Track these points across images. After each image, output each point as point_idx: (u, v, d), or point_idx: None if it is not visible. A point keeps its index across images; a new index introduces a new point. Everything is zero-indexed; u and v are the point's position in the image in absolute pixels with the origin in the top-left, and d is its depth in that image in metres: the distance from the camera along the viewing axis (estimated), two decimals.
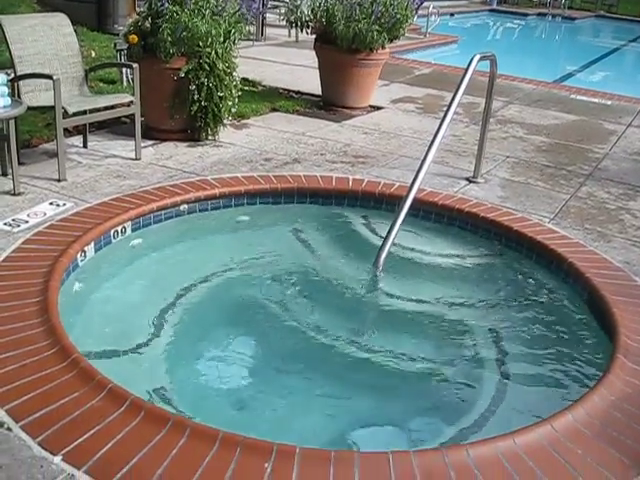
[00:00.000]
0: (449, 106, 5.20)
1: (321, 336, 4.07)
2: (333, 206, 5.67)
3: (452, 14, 22.74)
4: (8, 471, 2.57)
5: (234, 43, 6.78)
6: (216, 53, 6.46)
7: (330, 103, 8.73)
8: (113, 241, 4.67)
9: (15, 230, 4.52)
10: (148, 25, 6.45)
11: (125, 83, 8.19)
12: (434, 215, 5.49)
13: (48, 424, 2.83)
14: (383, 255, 4.72)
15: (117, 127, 6.91)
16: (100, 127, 6.87)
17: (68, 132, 6.34)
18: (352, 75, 8.49)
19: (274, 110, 8.40)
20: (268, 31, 14.10)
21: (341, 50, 8.29)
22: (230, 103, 6.72)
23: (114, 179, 5.56)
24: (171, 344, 3.85)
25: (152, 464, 2.65)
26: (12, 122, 5.00)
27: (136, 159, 6.10)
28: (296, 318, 4.23)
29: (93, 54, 9.62)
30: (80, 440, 2.75)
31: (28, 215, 4.75)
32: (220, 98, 6.57)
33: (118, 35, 9.04)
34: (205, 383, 3.73)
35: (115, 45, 8.13)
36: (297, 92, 9.41)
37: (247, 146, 6.80)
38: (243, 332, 4.26)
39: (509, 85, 11.14)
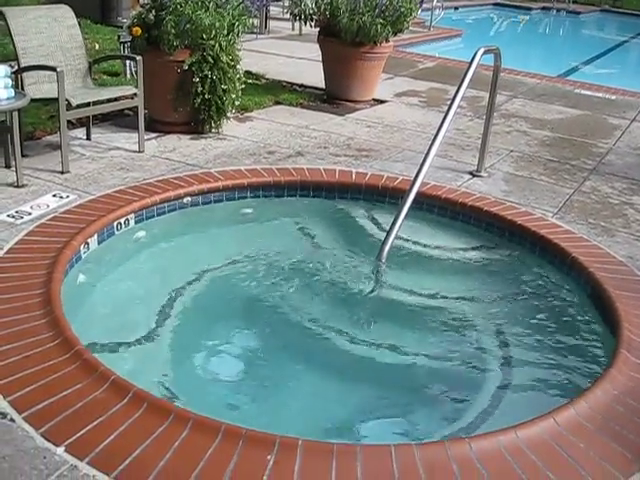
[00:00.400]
0: (453, 100, 5.19)
1: (324, 328, 4.08)
2: (336, 199, 5.66)
3: (456, 8, 22.66)
4: (11, 462, 2.58)
5: (238, 36, 6.77)
6: (220, 46, 6.45)
7: (334, 96, 8.71)
8: (116, 233, 4.67)
9: (18, 222, 4.52)
10: (152, 17, 6.42)
11: (129, 75, 8.18)
12: (437, 209, 5.48)
13: (51, 415, 2.83)
14: (386, 248, 4.72)
15: (120, 119, 6.91)
16: (103, 119, 6.87)
17: (71, 124, 6.33)
18: (356, 68, 8.47)
19: (277, 103, 8.39)
20: (272, 24, 14.07)
21: (345, 43, 8.27)
22: (233, 96, 6.72)
23: (117, 171, 5.56)
24: (174, 336, 3.85)
25: (154, 456, 2.65)
26: (15, 114, 5.01)
27: (139, 151, 6.09)
28: (299, 310, 4.23)
29: (97, 46, 9.61)
30: (83, 431, 2.75)
31: (31, 207, 4.75)
32: (224, 91, 6.57)
33: (122, 27, 9.04)
34: (208, 375, 3.74)
35: (119, 37, 8.12)
36: (300, 85, 9.39)
37: (250, 139, 6.80)
38: (246, 324, 4.26)
39: (513, 79, 11.11)
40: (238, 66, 6.75)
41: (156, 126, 6.70)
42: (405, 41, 13.12)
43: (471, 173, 6.27)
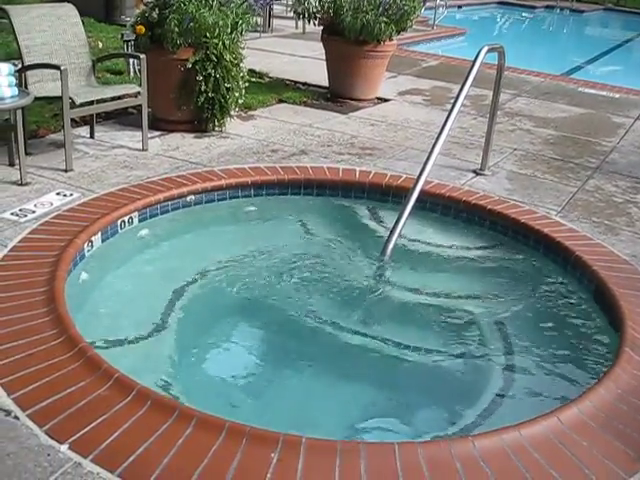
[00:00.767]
0: (456, 98, 5.19)
1: (328, 325, 4.08)
2: (340, 197, 5.66)
3: (460, 6, 22.66)
4: (15, 459, 2.58)
5: (241, 34, 6.78)
6: (223, 44, 6.45)
7: (337, 95, 8.71)
8: (120, 231, 4.67)
9: (22, 220, 4.53)
10: (155, 16, 6.43)
11: (132, 74, 8.19)
12: (441, 207, 5.48)
13: (55, 413, 2.83)
14: (390, 246, 4.73)
15: (124, 118, 6.91)
16: (107, 118, 6.87)
17: (75, 122, 6.34)
18: (359, 67, 8.47)
19: (281, 101, 8.40)
20: (275, 22, 14.08)
21: (348, 42, 8.27)
22: (237, 94, 6.72)
23: (121, 170, 5.57)
24: (177, 334, 3.85)
25: (158, 453, 2.65)
26: (19, 112, 5.00)
27: (143, 150, 6.10)
28: (302, 308, 4.23)
29: (100, 45, 9.63)
30: (86, 429, 2.75)
31: (35, 205, 4.76)
32: (227, 89, 6.57)
33: (125, 26, 9.03)
34: (212, 372, 3.75)
35: (122, 36, 8.12)
36: (304, 84, 9.39)
37: (254, 137, 6.80)
38: (249, 322, 4.27)
39: (517, 77, 11.10)
40: (241, 64, 6.75)
41: (160, 124, 6.70)
42: (409, 39, 13.12)
43: (475, 171, 6.26)
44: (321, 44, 8.90)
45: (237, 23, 6.69)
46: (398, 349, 3.96)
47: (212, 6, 6.55)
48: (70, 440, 2.69)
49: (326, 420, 3.39)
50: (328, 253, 4.94)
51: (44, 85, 5.74)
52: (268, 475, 2.60)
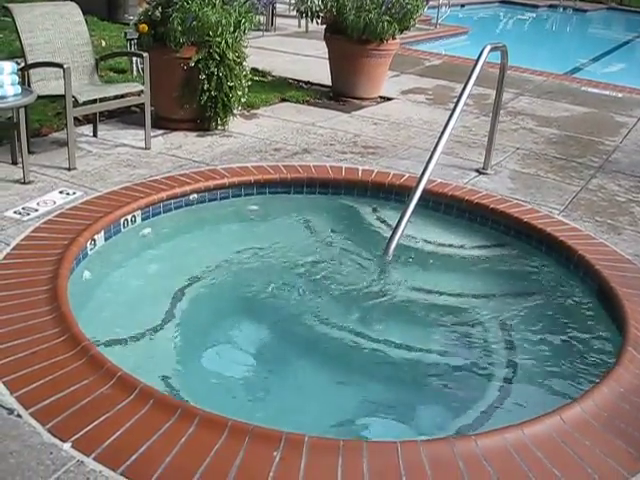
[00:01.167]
0: (459, 97, 5.18)
1: (330, 324, 4.08)
2: (343, 196, 5.66)
3: (462, 5, 22.65)
4: (18, 457, 2.59)
5: (244, 33, 6.78)
6: (226, 43, 6.45)
7: (340, 93, 8.71)
8: (123, 230, 4.68)
9: (25, 218, 4.53)
10: (158, 14, 6.43)
11: (135, 72, 8.19)
12: (444, 206, 5.48)
13: (57, 411, 2.84)
14: (393, 244, 4.73)
15: (127, 116, 6.91)
16: (110, 116, 6.87)
17: (78, 121, 6.34)
18: (362, 65, 8.46)
19: (284, 100, 8.39)
20: (278, 21, 14.07)
21: (351, 40, 8.27)
22: (240, 93, 6.72)
23: (124, 168, 5.57)
24: (180, 332, 3.86)
25: (161, 452, 2.66)
26: (22, 111, 5.01)
27: (146, 148, 6.10)
28: (304, 306, 4.24)
29: (103, 44, 9.63)
30: (89, 427, 2.76)
31: (38, 204, 4.76)
32: (230, 88, 6.57)
33: (128, 24, 9.05)
34: (215, 371, 3.74)
35: (125, 34, 8.12)
36: (307, 82, 9.39)
37: (257, 136, 6.80)
38: (252, 321, 4.27)
39: (520, 77, 11.09)
40: (244, 63, 6.76)
41: (162, 123, 6.70)
42: (411, 38, 13.13)
43: (477, 171, 6.26)
44: (324, 43, 8.90)
45: (240, 22, 6.69)
46: (400, 348, 3.96)
47: (215, 5, 6.55)
48: (73, 438, 2.69)
49: (327, 418, 3.38)
50: (330, 252, 4.95)
51: (47, 83, 5.75)
52: (270, 474, 2.60)
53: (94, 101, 5.80)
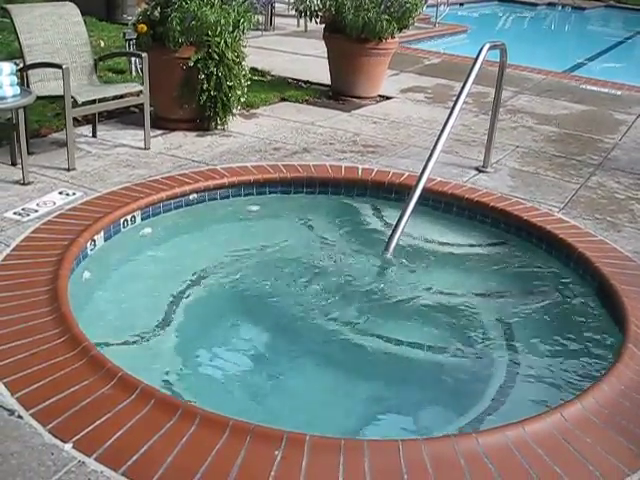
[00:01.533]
0: (459, 96, 5.18)
1: (330, 322, 4.08)
2: (342, 195, 5.66)
3: (461, 4, 22.64)
4: (19, 458, 2.59)
5: (243, 32, 6.77)
6: (225, 42, 6.45)
7: (339, 93, 8.71)
8: (122, 230, 4.68)
9: (25, 219, 4.53)
10: (157, 14, 6.43)
11: (134, 73, 8.19)
12: (443, 204, 5.48)
13: (58, 412, 2.84)
14: (393, 243, 4.73)
15: (126, 116, 6.91)
16: (109, 117, 6.87)
17: (77, 121, 6.33)
18: (361, 64, 8.46)
19: (283, 100, 8.39)
20: (277, 21, 14.07)
21: (350, 39, 8.26)
22: (239, 93, 6.72)
23: (123, 168, 5.57)
24: (181, 332, 3.85)
25: (162, 452, 2.66)
26: (21, 111, 5.01)
27: (145, 148, 6.10)
28: (305, 305, 4.23)
29: (102, 44, 9.63)
30: (90, 428, 2.76)
31: (37, 204, 4.76)
32: (229, 87, 6.57)
33: (127, 25, 9.03)
34: (216, 371, 3.74)
35: (124, 35, 8.12)
36: (306, 82, 9.39)
37: (256, 135, 6.80)
38: (252, 320, 4.27)
39: (519, 75, 11.09)
40: (243, 63, 6.75)
41: (162, 123, 6.70)
42: (410, 37, 13.11)
43: (477, 169, 6.26)
44: (323, 42, 8.89)
45: (239, 21, 6.68)
46: (400, 346, 3.96)
47: (214, 4, 6.55)
48: (74, 439, 2.69)
49: (329, 418, 3.38)
50: (331, 250, 4.94)
51: (46, 84, 5.75)
52: (272, 473, 2.60)
53: (93, 101, 5.80)
